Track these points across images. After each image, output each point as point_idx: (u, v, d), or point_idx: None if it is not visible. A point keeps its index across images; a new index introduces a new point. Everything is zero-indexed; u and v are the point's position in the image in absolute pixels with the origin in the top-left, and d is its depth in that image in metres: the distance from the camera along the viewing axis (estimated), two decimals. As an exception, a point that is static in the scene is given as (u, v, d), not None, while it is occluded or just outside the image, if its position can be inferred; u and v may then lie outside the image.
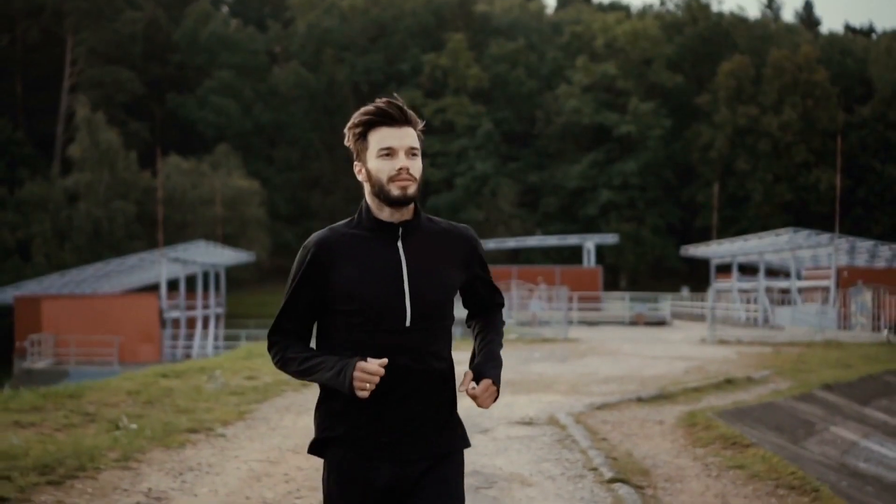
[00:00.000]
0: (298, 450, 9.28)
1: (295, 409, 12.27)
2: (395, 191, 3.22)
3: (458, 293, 3.49)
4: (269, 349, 3.42)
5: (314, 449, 3.36)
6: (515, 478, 8.34)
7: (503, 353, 3.51)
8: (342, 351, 3.26)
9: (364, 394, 3.12)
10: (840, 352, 24.60)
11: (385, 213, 3.29)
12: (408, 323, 3.22)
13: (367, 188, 3.31)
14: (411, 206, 3.31)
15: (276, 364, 3.40)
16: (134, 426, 10.21)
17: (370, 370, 3.10)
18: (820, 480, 8.52)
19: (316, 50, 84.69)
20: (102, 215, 66.31)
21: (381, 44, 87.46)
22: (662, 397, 13.93)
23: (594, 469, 8.70)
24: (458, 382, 3.37)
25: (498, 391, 3.36)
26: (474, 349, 3.53)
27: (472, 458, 8.75)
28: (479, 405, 3.32)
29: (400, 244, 3.29)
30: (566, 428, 10.93)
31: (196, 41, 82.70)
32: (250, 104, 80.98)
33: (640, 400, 13.55)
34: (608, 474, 8.39)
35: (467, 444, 3.46)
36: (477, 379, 3.34)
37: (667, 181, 79.95)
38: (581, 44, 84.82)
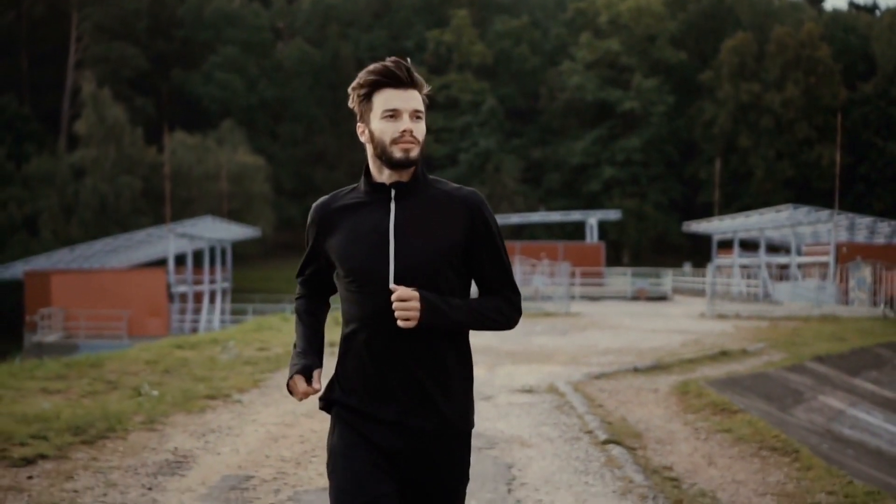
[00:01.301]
0: (311, 414, 9.84)
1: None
2: (397, 153, 3.20)
3: (469, 268, 3.36)
4: (296, 298, 3.55)
5: (323, 405, 3.38)
6: (515, 440, 8.91)
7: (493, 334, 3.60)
8: (346, 312, 3.31)
9: (297, 398, 3.28)
10: (836, 326, 25.13)
11: (384, 176, 3.27)
12: (391, 285, 3.17)
13: (369, 150, 3.29)
14: (412, 168, 3.27)
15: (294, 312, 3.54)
16: (155, 393, 10.80)
17: (299, 388, 3.25)
18: (802, 443, 9.09)
19: (320, 26, 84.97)
20: (109, 191, 66.79)
21: (385, 20, 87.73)
22: (658, 368, 14.49)
23: (589, 432, 9.27)
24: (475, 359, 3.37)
25: (421, 315, 3.15)
26: None
27: (475, 422, 9.31)
28: (396, 313, 3.14)
29: (392, 206, 3.26)
30: (565, 395, 11.50)
31: (201, 17, 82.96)
32: (255, 80, 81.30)
33: (636, 370, 14.12)
34: (602, 436, 8.96)
35: (470, 425, 3.42)
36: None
37: (669, 157, 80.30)
38: (585, 20, 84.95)
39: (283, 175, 78.04)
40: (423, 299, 3.16)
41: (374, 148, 3.23)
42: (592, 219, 60.69)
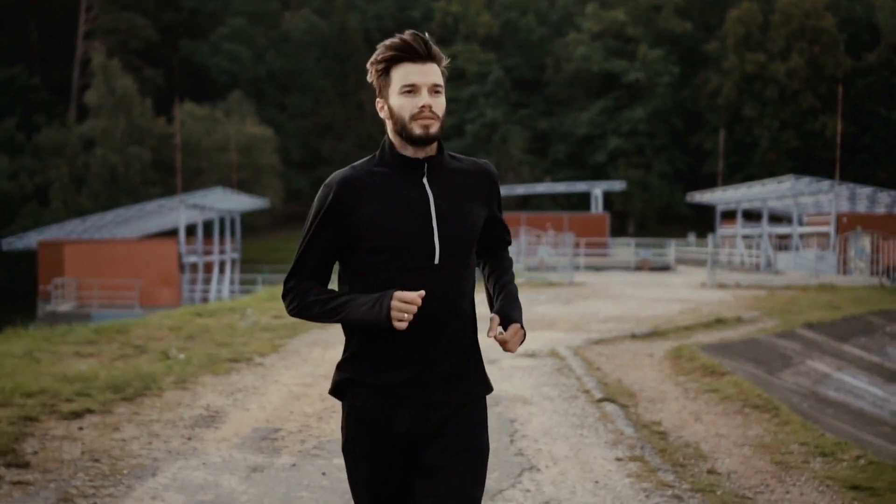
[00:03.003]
0: (329, 376, 10.58)
1: (322, 344, 13.60)
2: (417, 129, 3.16)
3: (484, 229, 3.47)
4: (285, 296, 3.33)
5: (335, 391, 3.33)
6: (518, 398, 9.67)
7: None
8: (376, 283, 3.21)
9: (402, 325, 3.08)
10: (832, 295, 25.80)
11: (409, 151, 3.23)
12: (436, 260, 3.18)
13: (389, 125, 3.25)
14: (435, 143, 3.25)
15: (292, 311, 3.33)
16: (182, 356, 11.58)
17: (408, 299, 3.06)
18: (782, 402, 9.85)
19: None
20: (118, 161, 67.37)
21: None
22: (655, 334, 15.24)
23: (586, 391, 10.04)
24: (479, 326, 3.38)
25: (525, 334, 3.33)
26: (489, 290, 3.51)
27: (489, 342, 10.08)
28: (506, 349, 3.28)
29: (426, 180, 3.23)
30: (565, 359, 12.26)
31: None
32: (263, 51, 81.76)
33: (633, 336, 14.87)
34: (598, 395, 9.73)
35: (489, 390, 3.43)
36: (504, 324, 3.31)
37: (675, 128, 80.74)
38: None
39: (291, 146, 78.61)
40: (522, 326, 3.33)
41: (394, 124, 3.21)
42: (597, 189, 61.28)
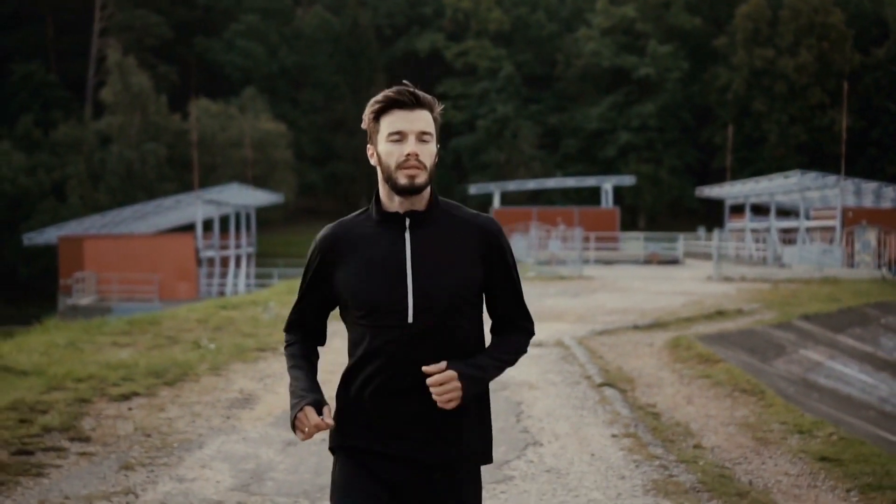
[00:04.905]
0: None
1: (341, 335, 14.37)
2: (401, 179, 3.08)
3: (485, 298, 3.30)
4: (286, 345, 3.43)
5: (333, 445, 3.29)
6: (525, 383, 10.49)
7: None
8: (354, 347, 3.22)
9: (301, 436, 3.10)
10: (834, 288, 26.49)
11: (396, 203, 3.15)
12: (410, 320, 3.09)
13: (379, 174, 3.18)
14: (426, 195, 3.16)
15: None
16: (213, 346, 12.44)
17: (311, 420, 3.05)
18: (770, 387, 10.65)
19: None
20: (134, 157, 68.21)
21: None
22: (657, 325, 16.05)
23: (588, 377, 10.87)
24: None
25: (463, 392, 3.07)
26: None
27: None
28: (435, 396, 3.06)
29: (407, 235, 3.14)
30: (570, 348, 13.09)
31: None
32: (275, 47, 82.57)
33: (636, 327, 15.68)
34: (598, 380, 10.56)
35: (488, 460, 3.29)
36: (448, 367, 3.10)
37: (684, 123, 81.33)
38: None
39: (304, 141, 79.38)
40: (461, 377, 3.08)
41: (382, 172, 3.15)
42: (607, 184, 62.07)
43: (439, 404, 3.05)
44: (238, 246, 49.41)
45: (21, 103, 73.07)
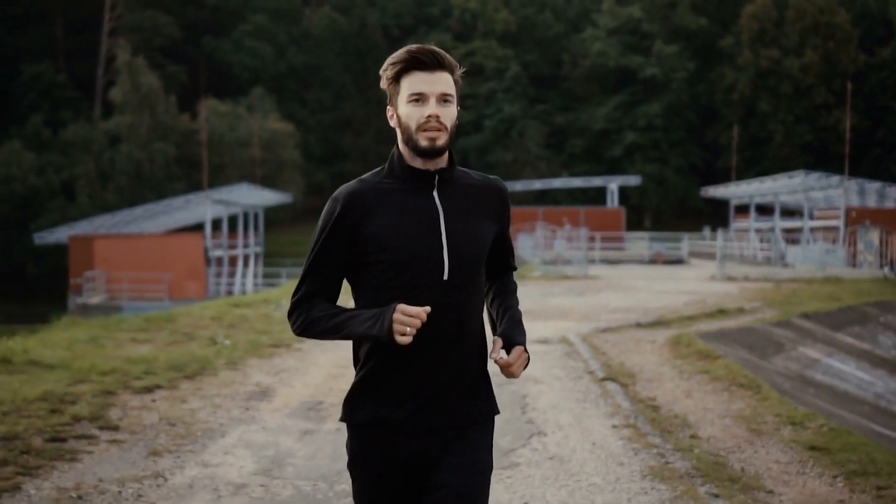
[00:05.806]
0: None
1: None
2: (422, 141, 3.07)
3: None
4: (291, 314, 3.19)
5: (347, 416, 3.23)
6: (530, 378, 10.90)
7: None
8: (384, 297, 3.10)
9: (405, 339, 2.96)
10: (835, 287, 26.85)
11: (418, 162, 3.13)
12: (445, 277, 3.08)
13: (398, 135, 3.15)
14: (445, 157, 3.17)
15: (297, 328, 3.19)
16: (228, 342, 12.87)
17: (412, 312, 2.95)
18: (766, 382, 11.06)
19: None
20: (143, 157, 68.63)
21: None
22: (659, 323, 16.45)
23: (591, 372, 11.27)
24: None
25: (528, 358, 3.22)
26: (492, 314, 3.41)
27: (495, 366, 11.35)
28: (509, 374, 3.17)
29: (436, 194, 3.14)
30: (574, 345, 13.50)
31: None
32: (284, 47, 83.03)
33: (638, 325, 16.09)
34: (601, 375, 10.97)
35: (496, 411, 3.33)
36: (507, 347, 3.21)
37: (690, 123, 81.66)
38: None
39: (312, 141, 79.78)
40: (525, 348, 3.23)
41: (402, 134, 3.13)
42: (613, 184, 62.48)
43: (513, 376, 3.17)
44: (246, 245, 49.82)
45: (30, 103, 73.62)
